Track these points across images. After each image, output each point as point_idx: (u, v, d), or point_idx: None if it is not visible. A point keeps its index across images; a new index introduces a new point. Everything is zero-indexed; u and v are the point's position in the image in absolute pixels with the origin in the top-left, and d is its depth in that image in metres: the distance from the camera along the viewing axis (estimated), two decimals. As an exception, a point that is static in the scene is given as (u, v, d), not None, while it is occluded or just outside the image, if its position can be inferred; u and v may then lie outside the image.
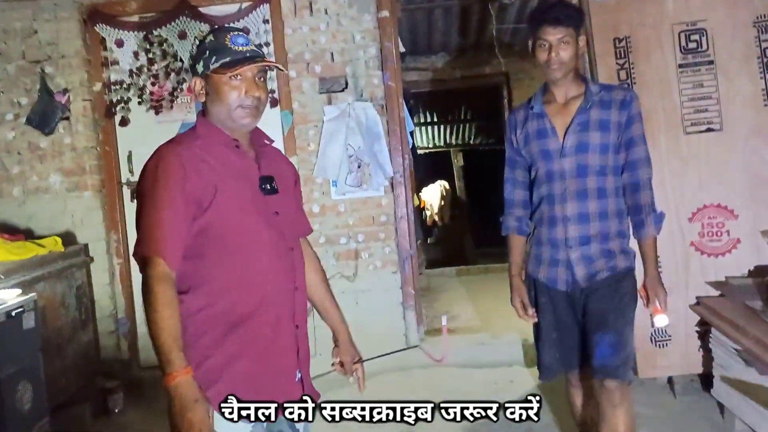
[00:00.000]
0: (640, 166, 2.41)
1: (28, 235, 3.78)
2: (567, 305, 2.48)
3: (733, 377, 2.97)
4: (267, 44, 3.93)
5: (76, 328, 3.62)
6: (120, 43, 3.93)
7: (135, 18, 3.95)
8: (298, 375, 1.87)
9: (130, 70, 3.95)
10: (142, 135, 3.94)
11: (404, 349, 3.94)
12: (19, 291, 2.82)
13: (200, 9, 3.91)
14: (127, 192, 4.00)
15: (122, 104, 3.98)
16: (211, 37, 1.83)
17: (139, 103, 3.98)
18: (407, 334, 3.96)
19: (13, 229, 3.79)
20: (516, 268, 2.61)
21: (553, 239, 2.46)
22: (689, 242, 3.52)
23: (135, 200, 1.82)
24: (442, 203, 10.03)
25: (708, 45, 3.54)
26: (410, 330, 3.97)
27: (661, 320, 2.42)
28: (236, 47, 1.79)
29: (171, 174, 1.70)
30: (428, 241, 9.86)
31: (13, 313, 2.64)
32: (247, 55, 1.79)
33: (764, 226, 3.44)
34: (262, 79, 1.83)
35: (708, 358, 3.32)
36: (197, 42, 1.91)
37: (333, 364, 2.08)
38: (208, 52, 1.80)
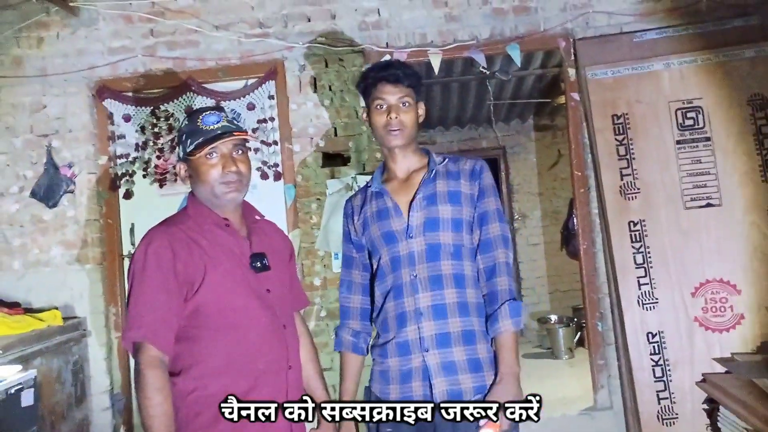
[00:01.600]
0: (496, 247, 2.01)
1: (27, 307, 3.74)
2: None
3: (745, 457, 2.91)
4: (272, 119, 3.99)
5: (71, 405, 3.53)
6: (127, 118, 3.99)
7: (142, 94, 4.02)
8: None
9: (136, 144, 4.00)
10: (145, 207, 3.95)
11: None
12: (20, 367, 2.77)
13: (206, 85, 3.98)
14: (127, 264, 3.98)
15: (127, 177, 4.01)
16: (186, 122, 1.91)
17: (144, 176, 4.01)
18: (409, 411, 3.87)
19: (13, 303, 3.74)
20: (348, 397, 2.11)
21: (402, 344, 1.97)
22: (693, 317, 3.52)
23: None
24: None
25: (704, 122, 3.64)
26: (412, 406, 3.89)
27: None
28: (207, 127, 1.86)
29: (160, 257, 1.73)
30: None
31: (12, 391, 2.59)
32: (218, 132, 1.85)
33: (768, 302, 3.45)
34: (240, 152, 1.89)
35: (717, 436, 3.26)
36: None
37: None
38: (184, 136, 1.88)
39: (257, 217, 2.03)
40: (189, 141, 1.85)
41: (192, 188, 1.91)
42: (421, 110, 2.12)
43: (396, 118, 2.03)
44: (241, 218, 1.95)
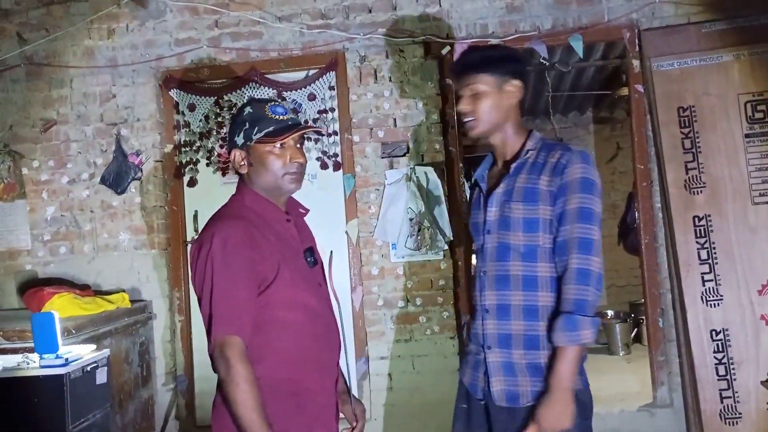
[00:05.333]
0: (570, 250, 1.85)
1: (97, 290, 3.88)
2: (484, 422, 1.98)
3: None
4: (332, 110, 4.04)
5: (138, 385, 3.66)
6: (192, 108, 4.09)
7: (207, 84, 4.12)
8: None
9: (200, 133, 4.10)
10: (208, 195, 4.04)
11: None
12: (94, 346, 2.89)
13: (268, 76, 4.05)
14: (190, 251, 4.09)
15: (191, 165, 4.11)
16: (249, 109, 1.87)
17: (207, 164, 4.11)
18: (464, 402, 3.89)
19: (83, 285, 3.89)
20: None
21: (474, 335, 2.01)
22: (759, 315, 3.44)
23: (198, 272, 1.78)
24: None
25: (776, 115, 3.53)
26: (467, 397, 3.91)
27: None
28: (277, 117, 1.84)
29: (241, 252, 1.74)
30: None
31: (88, 368, 2.71)
32: (289, 123, 1.84)
33: (840, 301, 3.34)
34: (300, 145, 1.89)
35: (783, 437, 3.18)
36: (234, 114, 1.95)
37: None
38: (248, 123, 1.84)
39: (301, 210, 2.03)
40: (257, 128, 1.81)
41: (250, 177, 1.87)
42: (513, 88, 1.98)
43: (466, 107, 1.98)
44: (286, 211, 1.95)
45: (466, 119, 1.99)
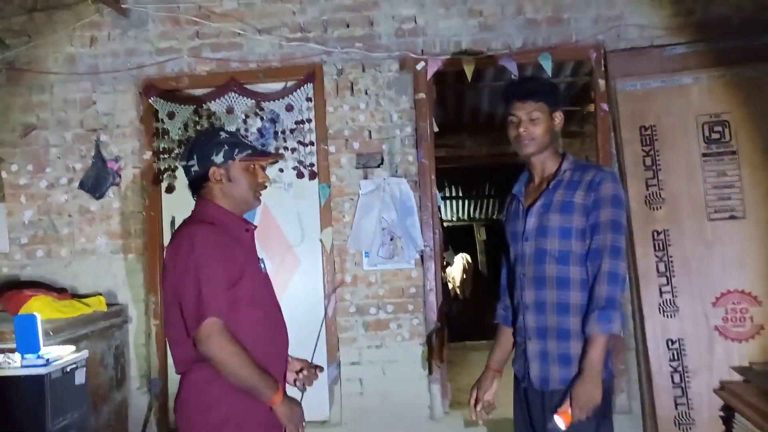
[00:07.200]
0: (602, 256, 2.15)
1: (74, 293, 3.93)
2: (525, 404, 2.33)
3: (759, 463, 2.99)
4: (309, 120, 4.15)
5: (112, 387, 3.72)
6: (171, 115, 4.17)
7: (186, 92, 4.20)
8: None
9: (179, 141, 4.18)
10: (186, 201, 4.02)
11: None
12: (73, 347, 2.95)
13: (247, 86, 4.15)
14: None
15: (169, 172, 4.19)
16: (224, 134, 2.15)
17: (185, 171, 4.18)
18: (432, 407, 4.00)
19: (60, 288, 3.94)
20: (493, 360, 2.48)
21: (519, 327, 2.33)
22: (713, 326, 3.60)
23: (179, 267, 2.00)
24: (464, 277, 10.09)
25: (731, 136, 3.72)
26: (435, 403, 4.02)
27: (558, 423, 2.09)
28: (249, 142, 2.18)
29: (218, 250, 2.00)
30: (449, 314, 9.86)
31: (68, 369, 2.78)
32: (260, 149, 2.23)
33: (788, 314, 3.51)
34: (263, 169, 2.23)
35: (733, 443, 3.33)
36: (203, 136, 2.21)
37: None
38: (227, 145, 2.11)
39: (251, 226, 2.27)
40: (237, 150, 2.09)
41: (222, 192, 2.12)
42: (558, 119, 2.31)
43: (525, 131, 2.25)
44: None
45: (525, 140, 2.26)
